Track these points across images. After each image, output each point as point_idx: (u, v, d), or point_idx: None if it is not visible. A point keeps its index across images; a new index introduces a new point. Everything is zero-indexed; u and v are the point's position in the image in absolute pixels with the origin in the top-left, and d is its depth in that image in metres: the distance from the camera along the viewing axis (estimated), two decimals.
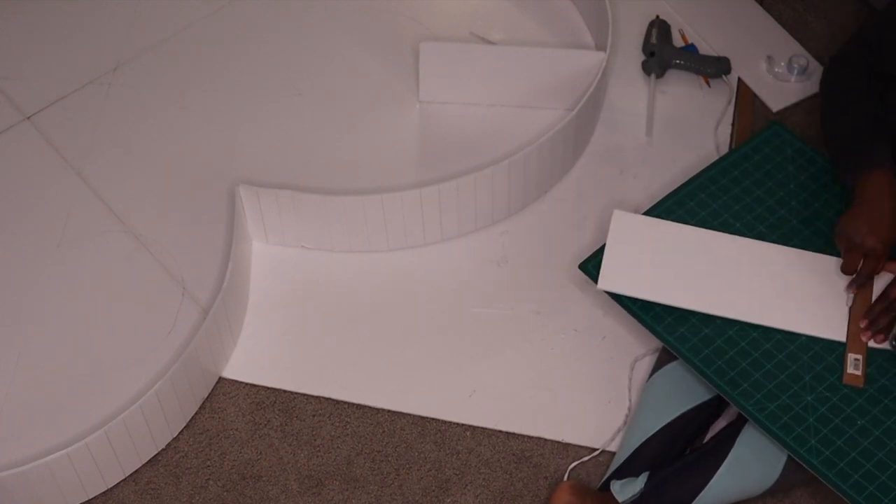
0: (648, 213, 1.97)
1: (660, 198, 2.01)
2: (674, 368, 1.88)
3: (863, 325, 1.80)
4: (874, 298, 1.83)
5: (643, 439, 1.83)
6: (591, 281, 1.91)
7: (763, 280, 1.87)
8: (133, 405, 1.83)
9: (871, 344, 1.80)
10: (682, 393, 1.86)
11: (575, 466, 1.89)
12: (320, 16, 2.39)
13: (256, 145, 2.20)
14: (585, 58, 2.18)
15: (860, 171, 1.85)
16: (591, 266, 1.91)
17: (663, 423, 1.84)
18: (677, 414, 1.84)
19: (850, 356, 1.79)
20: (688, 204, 1.97)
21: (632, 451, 1.84)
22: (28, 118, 2.24)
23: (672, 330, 1.84)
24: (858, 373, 1.77)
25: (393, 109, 2.26)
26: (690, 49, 2.37)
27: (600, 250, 1.92)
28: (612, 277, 1.86)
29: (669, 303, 1.83)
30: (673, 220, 1.95)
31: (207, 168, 2.16)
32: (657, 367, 1.90)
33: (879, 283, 1.84)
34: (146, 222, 2.10)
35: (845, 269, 1.83)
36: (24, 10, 2.40)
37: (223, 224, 2.07)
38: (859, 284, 1.83)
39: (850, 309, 1.83)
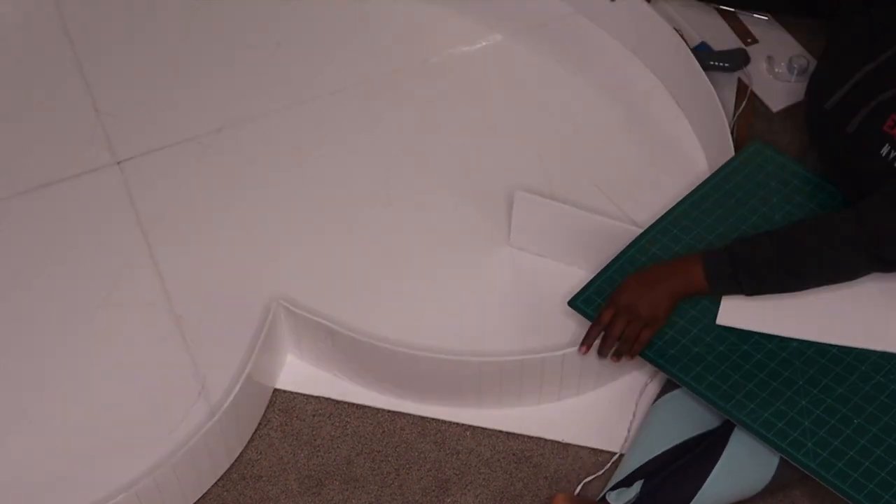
0: (634, 242, 1.94)
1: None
2: (681, 395, 1.85)
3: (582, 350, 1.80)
4: None
5: (644, 461, 1.81)
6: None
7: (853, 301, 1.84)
8: (119, 495, 1.76)
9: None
10: (687, 420, 1.83)
11: (588, 481, 1.88)
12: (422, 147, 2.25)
13: (314, 264, 2.07)
14: None
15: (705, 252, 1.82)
16: (580, 302, 1.87)
17: (665, 448, 1.81)
18: (680, 440, 1.81)
19: None
20: (672, 231, 1.94)
21: (630, 471, 1.81)
22: (118, 163, 2.19)
23: (661, 353, 1.81)
24: None
25: (482, 259, 2.09)
26: (702, 48, 2.36)
27: (588, 285, 1.89)
28: (731, 314, 1.83)
29: (785, 334, 1.81)
30: (658, 248, 1.92)
31: (262, 268, 2.06)
32: (664, 391, 1.88)
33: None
34: (191, 305, 2.01)
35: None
36: (145, 48, 2.37)
37: (255, 331, 1.94)
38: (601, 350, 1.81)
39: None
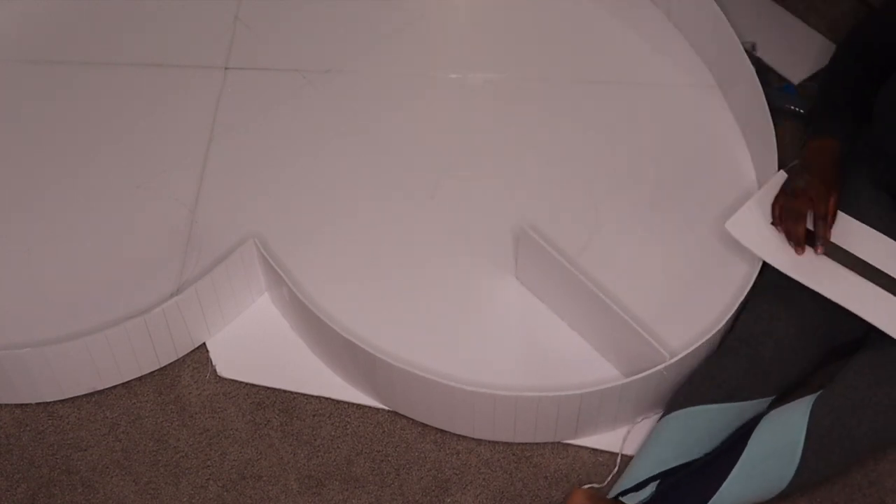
0: None
1: None
2: (695, 412, 1.81)
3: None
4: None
5: (655, 472, 1.78)
6: None
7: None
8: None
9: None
10: (703, 436, 1.79)
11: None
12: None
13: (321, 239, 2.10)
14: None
15: (811, 137, 1.95)
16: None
17: (679, 463, 1.78)
18: (694, 457, 1.79)
19: None
20: None
21: (640, 480, 1.78)
22: (225, 69, 2.30)
23: None
24: None
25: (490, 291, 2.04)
26: (789, 90, 2.30)
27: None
28: (742, 225, 1.90)
29: (782, 269, 1.83)
30: None
31: (279, 214, 2.11)
32: (673, 405, 1.83)
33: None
34: (212, 216, 2.10)
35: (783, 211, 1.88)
36: None
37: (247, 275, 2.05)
38: (821, 240, 1.85)
39: None
